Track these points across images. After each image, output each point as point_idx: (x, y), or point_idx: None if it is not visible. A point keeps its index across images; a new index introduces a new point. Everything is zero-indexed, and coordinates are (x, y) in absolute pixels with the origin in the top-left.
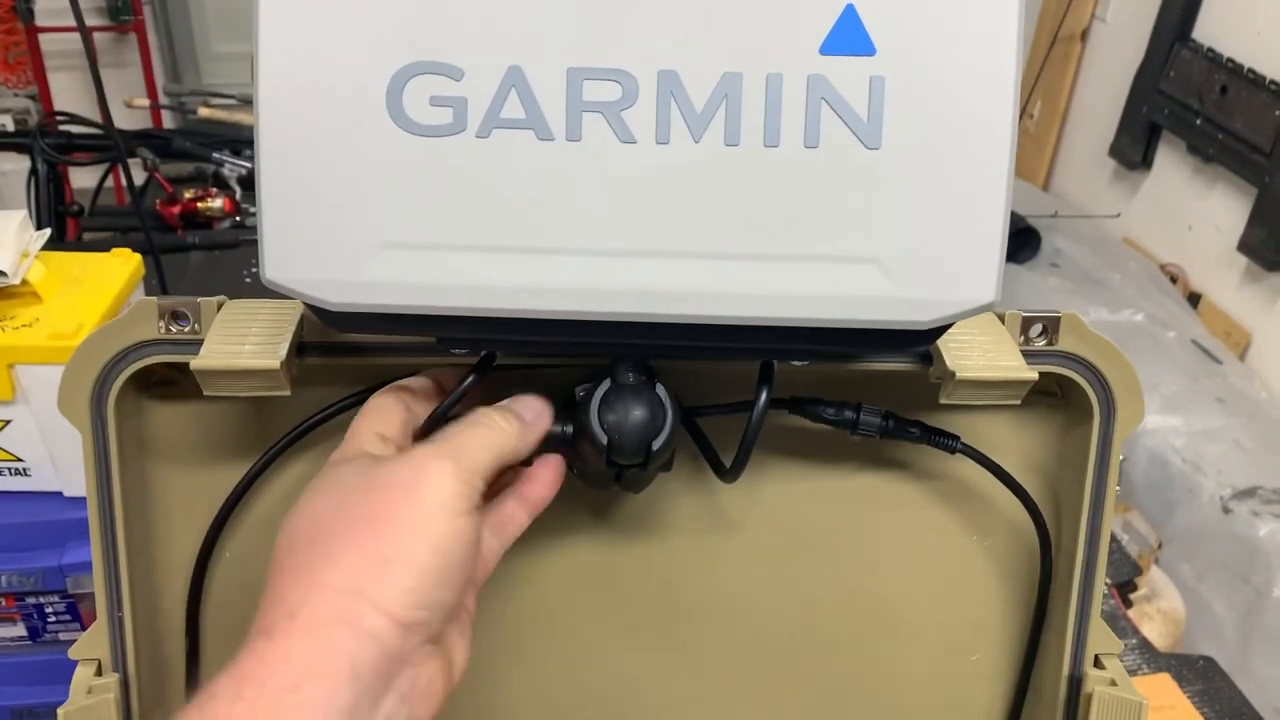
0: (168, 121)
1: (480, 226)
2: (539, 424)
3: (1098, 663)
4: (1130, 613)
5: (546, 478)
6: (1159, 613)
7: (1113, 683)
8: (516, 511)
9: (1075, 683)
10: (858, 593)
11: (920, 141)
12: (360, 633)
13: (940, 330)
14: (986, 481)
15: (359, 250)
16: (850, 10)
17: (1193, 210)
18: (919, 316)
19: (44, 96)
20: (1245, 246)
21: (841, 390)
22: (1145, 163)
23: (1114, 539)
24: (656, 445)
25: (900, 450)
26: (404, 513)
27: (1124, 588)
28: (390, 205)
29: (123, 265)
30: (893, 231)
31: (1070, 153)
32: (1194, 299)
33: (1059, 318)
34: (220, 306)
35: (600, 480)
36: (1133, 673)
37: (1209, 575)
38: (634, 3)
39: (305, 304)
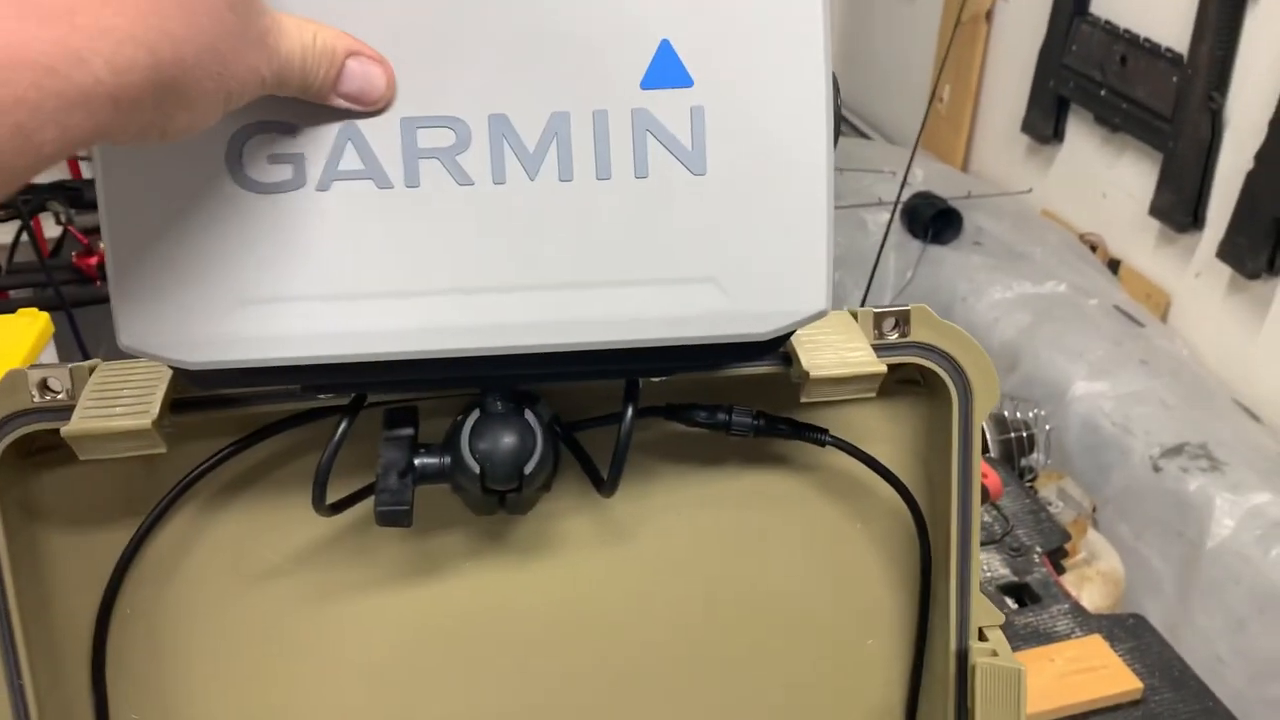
0: (85, 170)
1: (331, 276)
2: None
3: (981, 635)
4: (1070, 577)
5: None
6: (1098, 574)
7: (994, 653)
8: None
9: (962, 656)
10: (750, 591)
11: (743, 165)
12: None
13: (781, 339)
14: (861, 471)
15: (213, 308)
16: (666, 45)
17: (1105, 179)
18: (758, 329)
19: None
20: (1156, 210)
21: (715, 394)
22: (1057, 136)
23: (1043, 508)
24: (529, 469)
25: (776, 448)
26: None
27: (1054, 554)
28: (240, 262)
29: (29, 325)
30: (726, 251)
31: (984, 131)
32: (1114, 265)
33: (909, 310)
34: (93, 370)
35: (484, 506)
36: (1065, 636)
37: (1145, 533)
38: (460, 51)
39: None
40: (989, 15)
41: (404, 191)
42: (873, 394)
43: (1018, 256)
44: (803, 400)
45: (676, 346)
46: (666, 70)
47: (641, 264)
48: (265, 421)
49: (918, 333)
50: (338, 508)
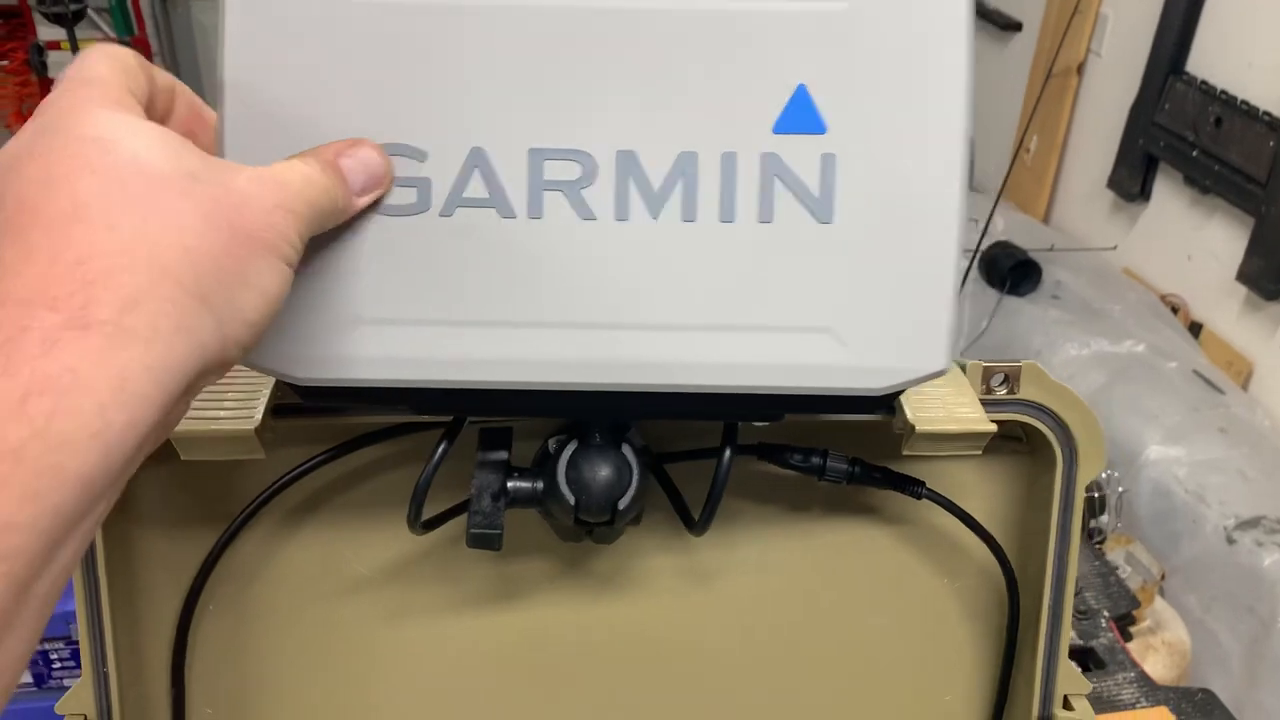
0: None
1: (446, 302)
2: (365, 197)
3: (1066, 703)
4: (1134, 645)
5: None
6: (1164, 644)
7: None
8: None
9: None
10: (830, 638)
11: (871, 216)
12: None
13: (894, 395)
14: (954, 525)
15: (328, 327)
16: (802, 90)
17: (1191, 241)
18: (873, 384)
19: None
20: (1244, 276)
21: (810, 438)
22: (1143, 194)
23: (1113, 572)
24: (623, 504)
25: (868, 496)
26: None
27: (1122, 620)
28: (358, 282)
29: None
30: (846, 302)
31: (1069, 185)
32: (1195, 329)
33: (1020, 367)
34: None
35: (571, 534)
36: (1131, 706)
37: (1214, 606)
38: (592, 85)
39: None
40: (1080, 69)
41: (526, 222)
42: (978, 452)
43: (1096, 313)
44: (904, 453)
45: (783, 396)
46: (801, 115)
47: (760, 310)
48: (358, 432)
49: (1027, 390)
50: (429, 525)
